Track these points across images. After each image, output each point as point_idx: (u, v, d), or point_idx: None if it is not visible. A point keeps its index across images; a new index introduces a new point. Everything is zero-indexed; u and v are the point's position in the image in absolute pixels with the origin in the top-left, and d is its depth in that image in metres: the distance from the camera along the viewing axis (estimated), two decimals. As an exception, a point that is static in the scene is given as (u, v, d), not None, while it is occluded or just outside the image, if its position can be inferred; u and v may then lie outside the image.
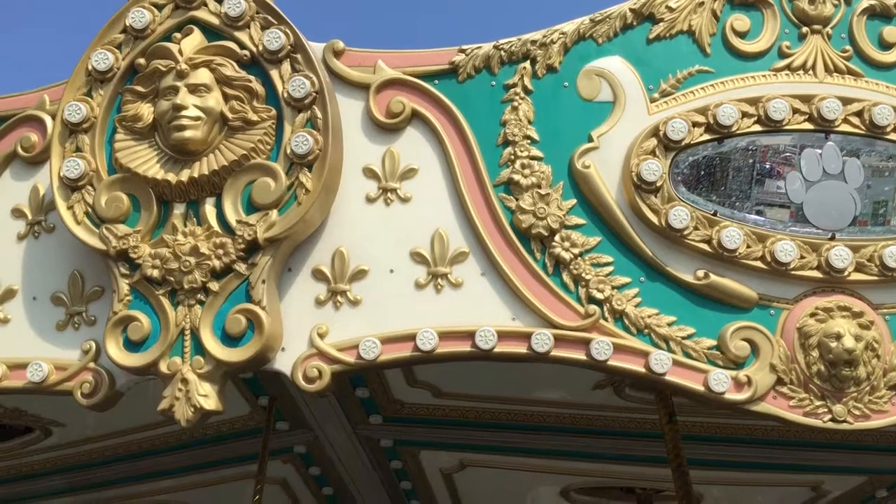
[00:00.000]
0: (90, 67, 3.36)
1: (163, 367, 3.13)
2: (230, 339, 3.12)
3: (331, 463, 5.22)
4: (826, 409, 3.00)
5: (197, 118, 3.19)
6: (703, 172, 3.18)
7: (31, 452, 5.06)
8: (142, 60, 3.32)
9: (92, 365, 3.23)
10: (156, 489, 5.50)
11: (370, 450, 5.08)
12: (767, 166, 3.17)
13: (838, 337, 2.99)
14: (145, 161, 3.25)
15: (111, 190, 3.26)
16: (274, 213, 3.16)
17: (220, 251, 3.16)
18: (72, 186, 3.29)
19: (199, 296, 3.16)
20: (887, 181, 3.19)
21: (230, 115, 3.22)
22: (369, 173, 3.29)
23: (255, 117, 3.22)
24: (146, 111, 3.27)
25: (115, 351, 3.15)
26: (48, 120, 3.45)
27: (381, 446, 5.04)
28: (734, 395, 3.01)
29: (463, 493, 5.66)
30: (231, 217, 3.18)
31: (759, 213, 3.15)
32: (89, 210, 3.27)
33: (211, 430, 4.90)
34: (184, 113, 3.18)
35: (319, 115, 3.20)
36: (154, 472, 5.26)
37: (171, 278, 3.17)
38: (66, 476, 5.31)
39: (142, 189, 3.24)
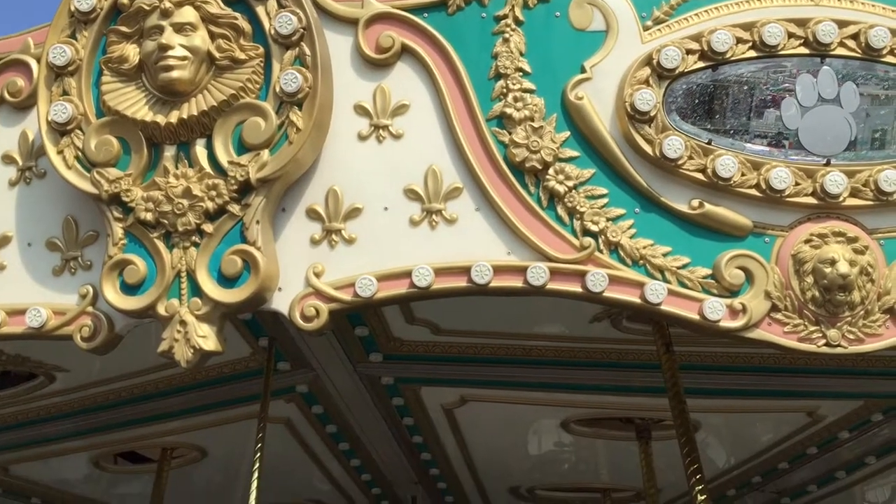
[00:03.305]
0: (73, 8, 3.31)
1: (160, 310, 3.15)
2: (226, 281, 3.13)
3: (333, 401, 5.28)
4: (820, 334, 3.02)
5: (183, 58, 3.15)
6: (697, 101, 3.15)
7: (37, 398, 5.13)
8: (125, 0, 3.27)
9: (90, 309, 3.25)
10: (162, 431, 5.59)
11: (371, 387, 5.13)
12: (765, 97, 3.14)
13: (833, 262, 2.99)
14: (133, 103, 3.21)
15: (100, 133, 3.23)
16: (265, 153, 3.14)
17: (213, 192, 3.15)
18: (60, 131, 3.27)
19: (193, 238, 3.17)
20: (886, 109, 3.15)
21: (217, 55, 3.18)
22: (360, 110, 3.26)
23: (242, 56, 3.18)
24: (132, 52, 3.23)
25: (113, 295, 3.17)
26: (33, 64, 3.41)
27: (383, 384, 5.09)
28: (729, 323, 3.03)
29: (465, 428, 5.74)
30: (222, 158, 3.17)
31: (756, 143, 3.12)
32: (79, 154, 3.25)
33: (213, 371, 4.95)
34: (170, 53, 3.14)
35: (308, 51, 3.16)
36: (159, 415, 5.33)
37: (165, 221, 3.17)
38: (73, 420, 5.39)
39: (131, 132, 3.22)
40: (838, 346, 3.01)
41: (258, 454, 3.98)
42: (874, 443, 5.56)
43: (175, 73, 3.15)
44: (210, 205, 3.15)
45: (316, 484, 6.75)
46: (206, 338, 3.11)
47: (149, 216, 3.17)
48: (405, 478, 6.49)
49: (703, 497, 3.41)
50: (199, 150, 3.19)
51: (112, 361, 4.59)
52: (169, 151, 3.22)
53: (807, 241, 3.04)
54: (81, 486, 6.72)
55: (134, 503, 6.96)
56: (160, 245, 3.17)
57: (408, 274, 3.12)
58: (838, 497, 6.56)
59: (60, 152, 3.26)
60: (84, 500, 6.97)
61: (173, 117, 3.17)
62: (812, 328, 3.01)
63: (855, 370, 4.64)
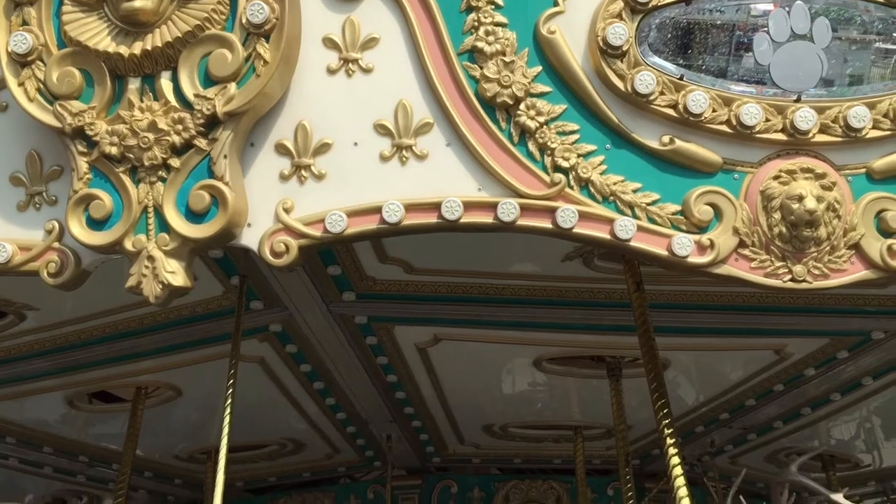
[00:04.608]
0: (31, -66, 3.20)
1: (128, 245, 3.12)
2: (194, 216, 3.10)
3: (307, 340, 5.30)
4: (786, 270, 3.04)
5: (146, -13, 3.07)
6: (670, 35, 3.12)
7: (8, 337, 5.10)
8: (85, -74, 3.16)
9: (56, 245, 3.21)
10: (136, 370, 5.60)
11: (345, 326, 5.15)
12: (742, 42, 3.11)
13: (800, 198, 3.01)
14: (96, 34, 3.13)
15: (62, 65, 3.15)
16: (232, 87, 3.08)
17: (179, 126, 3.09)
18: (21, 62, 3.18)
19: (160, 172, 3.12)
20: (863, 52, 3.14)
21: (181, -17, 3.10)
22: (329, 43, 3.19)
23: (207, -15, 3.10)
24: (93, -20, 3.14)
25: (79, 230, 3.13)
26: (-9, -7, 3.30)
27: (356, 323, 5.11)
28: (697, 259, 3.05)
29: (438, 367, 5.80)
30: (188, 91, 3.11)
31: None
32: (41, 86, 3.17)
33: (186, 310, 4.95)
34: (132, -19, 3.06)
35: (274, -19, 3.09)
36: (133, 354, 5.34)
37: (131, 155, 3.12)
38: (47, 359, 5.38)
39: (94, 63, 3.14)
40: (804, 281, 3.04)
41: (230, 391, 3.99)
42: (839, 380, 5.68)
43: (138, 3, 3.06)
44: (176, 139, 3.10)
45: (292, 423, 6.82)
46: (175, 273, 3.09)
47: (114, 150, 3.11)
48: (380, 416, 6.56)
49: (669, 431, 3.48)
50: (165, 83, 3.13)
51: (83, 300, 4.59)
52: (133, 84, 3.15)
53: (775, 178, 3.05)
54: (57, 425, 6.74)
55: (111, 443, 7.01)
56: (126, 180, 3.13)
57: (378, 210, 3.10)
58: (804, 433, 6.73)
59: (21, 84, 3.18)
60: (60, 440, 7.00)
61: (137, 49, 3.10)
62: (778, 264, 3.04)
63: (822, 308, 4.72)
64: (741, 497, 5.19)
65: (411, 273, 4.69)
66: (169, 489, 8.21)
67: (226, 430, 3.96)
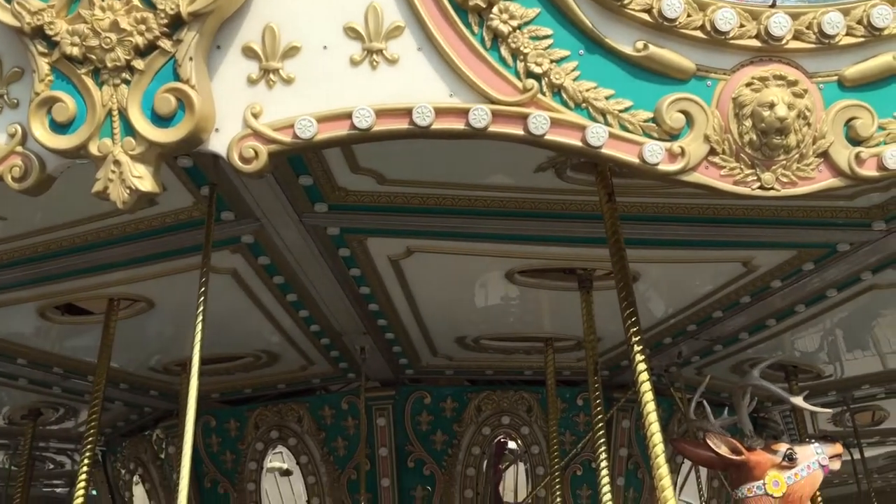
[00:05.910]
0: None
1: (93, 149, 3.07)
2: (161, 120, 3.05)
3: (279, 252, 5.28)
4: (755, 178, 3.07)
5: None
6: (645, -64, 3.06)
7: (-26, 247, 5.04)
8: None
9: (20, 149, 3.16)
10: (108, 281, 5.57)
11: (317, 238, 5.13)
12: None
13: (771, 106, 3.01)
14: (52, -73, 3.02)
15: (17, -39, 3.05)
16: (197, -15, 3.00)
17: (142, 27, 3.02)
18: (-26, -42, 3.07)
19: (123, 74, 3.06)
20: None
21: None
22: (296, -59, 3.11)
23: None
24: None
25: (42, 133, 3.08)
26: None
27: (328, 234, 5.09)
28: (667, 166, 3.06)
29: (411, 279, 5.81)
30: (150, -11, 3.02)
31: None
32: (-3, -16, 3.07)
33: (156, 221, 4.90)
34: None
35: None
36: (104, 265, 5.30)
37: (93, 56, 3.04)
38: (16, 270, 5.33)
39: (51, -41, 3.04)
40: (772, 188, 3.07)
41: (202, 298, 3.99)
42: (804, 291, 5.78)
43: None
44: (139, 39, 3.02)
45: (265, 335, 6.86)
46: (142, 178, 3.05)
47: (75, 51, 3.04)
48: (353, 328, 6.60)
49: (636, 338, 3.54)
50: (126, -20, 3.04)
51: (51, 210, 4.53)
52: (92, -19, 3.06)
53: (748, 85, 3.05)
54: (31, 337, 6.74)
55: (85, 355, 7.02)
56: (89, 82, 3.06)
57: (348, 115, 3.07)
58: (769, 344, 6.89)
59: (-24, -19, 3.08)
60: (34, 352, 7.00)
61: (95, -58, 3.00)
62: (747, 171, 3.06)
63: (789, 220, 4.77)
64: (705, 403, 5.32)
65: (384, 184, 4.66)
66: (144, 400, 8.27)
67: (198, 342, 3.97)
